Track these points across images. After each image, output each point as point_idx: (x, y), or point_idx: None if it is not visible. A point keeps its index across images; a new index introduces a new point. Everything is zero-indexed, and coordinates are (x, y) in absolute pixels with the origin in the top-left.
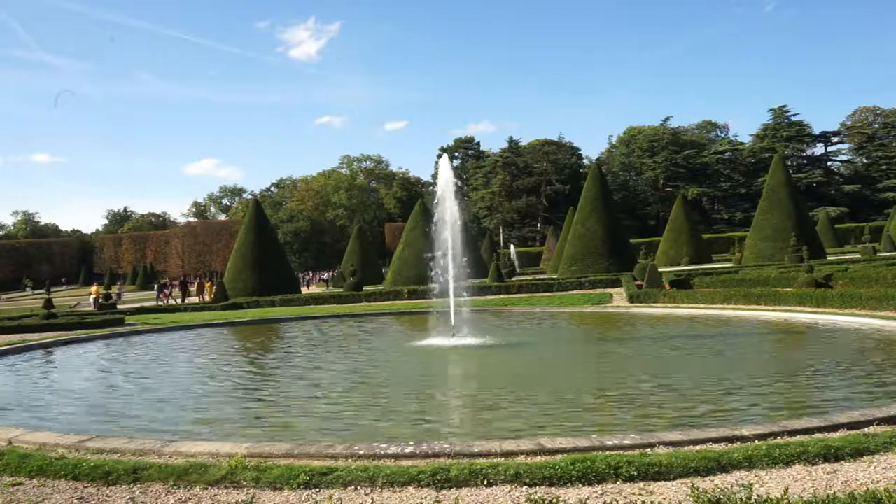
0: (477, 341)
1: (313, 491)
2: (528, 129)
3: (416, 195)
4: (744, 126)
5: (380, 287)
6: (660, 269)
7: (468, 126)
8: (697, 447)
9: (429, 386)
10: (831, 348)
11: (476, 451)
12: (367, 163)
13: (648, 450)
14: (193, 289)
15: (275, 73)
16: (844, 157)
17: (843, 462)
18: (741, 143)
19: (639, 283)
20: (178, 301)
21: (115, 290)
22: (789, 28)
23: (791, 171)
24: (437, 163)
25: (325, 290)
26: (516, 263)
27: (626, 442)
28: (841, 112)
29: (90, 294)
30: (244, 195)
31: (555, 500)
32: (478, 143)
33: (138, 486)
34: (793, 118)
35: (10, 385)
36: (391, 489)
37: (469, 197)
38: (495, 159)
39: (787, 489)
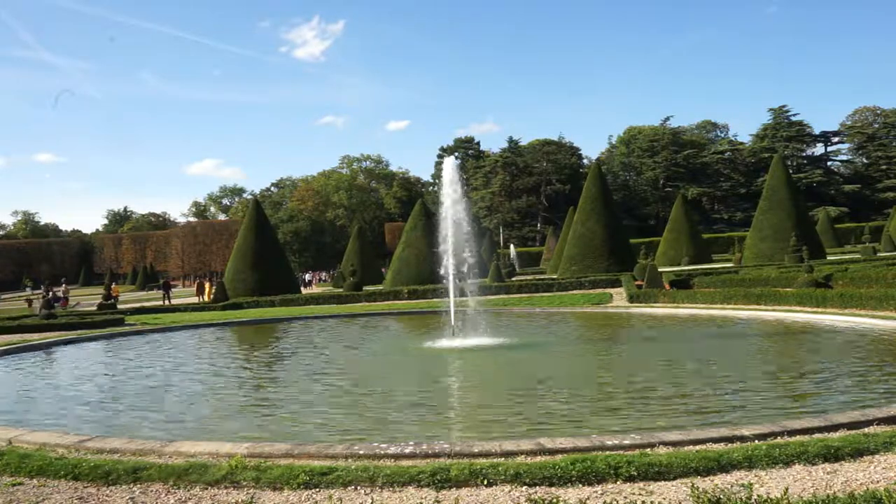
0: (477, 341)
1: (313, 491)
2: (528, 129)
3: (416, 195)
4: (744, 126)
5: (380, 287)
6: (660, 269)
7: (471, 126)
8: (697, 447)
9: (429, 385)
10: (831, 348)
11: (476, 451)
12: (367, 163)
13: (648, 450)
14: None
15: (277, 72)
16: (844, 157)
17: (843, 462)
18: (741, 143)
19: (639, 283)
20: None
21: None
22: (790, 28)
23: (791, 171)
24: (437, 163)
25: (319, 290)
26: (516, 263)
27: (626, 442)
28: (841, 112)
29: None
30: (244, 195)
31: (555, 500)
32: (478, 143)
33: (138, 486)
34: (793, 118)
35: (10, 385)
36: (391, 489)
37: (469, 197)
38: (495, 159)
39: (787, 489)
